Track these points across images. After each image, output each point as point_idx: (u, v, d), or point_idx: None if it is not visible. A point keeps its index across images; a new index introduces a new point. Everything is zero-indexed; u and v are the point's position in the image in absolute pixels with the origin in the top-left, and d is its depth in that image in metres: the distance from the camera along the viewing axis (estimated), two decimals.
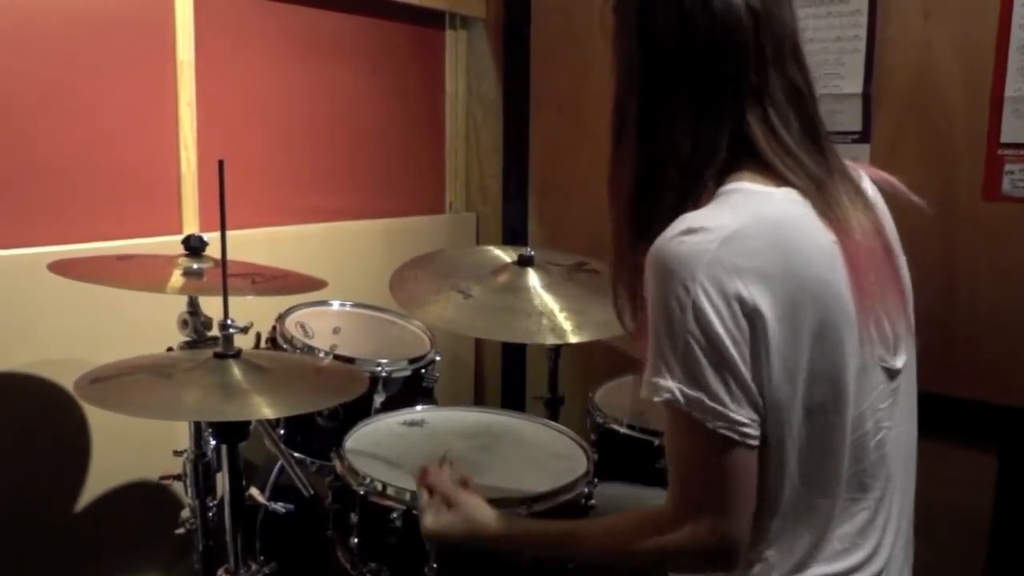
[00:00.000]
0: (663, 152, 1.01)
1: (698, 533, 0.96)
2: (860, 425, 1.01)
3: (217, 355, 1.40)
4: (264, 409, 1.32)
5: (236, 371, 1.38)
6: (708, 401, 0.92)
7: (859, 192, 1.07)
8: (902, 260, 1.09)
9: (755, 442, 0.94)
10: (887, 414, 1.04)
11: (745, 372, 0.92)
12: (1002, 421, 2.13)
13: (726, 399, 0.92)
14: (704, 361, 0.92)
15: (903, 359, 1.06)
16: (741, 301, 0.92)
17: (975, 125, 2.09)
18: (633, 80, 1.03)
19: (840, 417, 0.98)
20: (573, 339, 1.82)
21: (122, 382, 1.35)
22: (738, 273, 0.92)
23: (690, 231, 0.94)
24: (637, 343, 1.04)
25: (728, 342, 0.91)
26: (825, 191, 1.00)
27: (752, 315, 0.92)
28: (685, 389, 0.92)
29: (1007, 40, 2.03)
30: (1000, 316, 2.12)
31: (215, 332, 1.55)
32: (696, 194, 1.00)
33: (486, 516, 1.18)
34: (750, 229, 0.94)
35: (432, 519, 1.20)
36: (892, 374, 1.04)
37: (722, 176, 1.00)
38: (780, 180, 0.99)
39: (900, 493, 1.08)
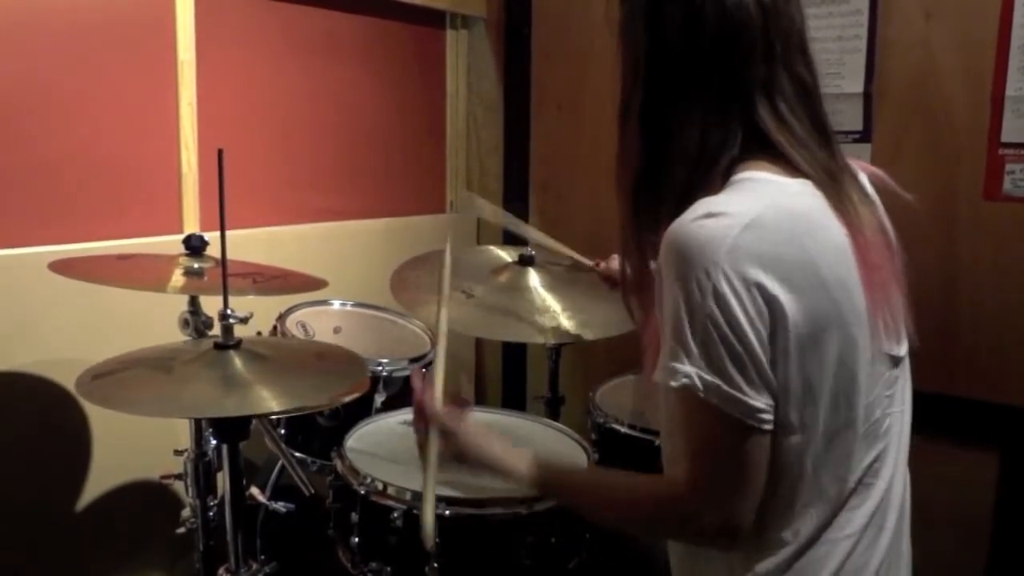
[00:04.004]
0: (668, 145, 1.01)
1: (705, 513, 0.97)
2: (871, 414, 1.02)
3: (218, 346, 1.40)
4: (267, 402, 1.31)
5: (237, 361, 1.37)
6: (725, 387, 0.92)
7: (863, 189, 1.08)
8: (899, 254, 1.10)
9: (770, 427, 0.94)
10: (891, 400, 1.05)
11: (763, 358, 0.93)
12: (1002, 421, 2.13)
13: (743, 385, 0.92)
14: (723, 346, 0.92)
15: (905, 346, 1.08)
16: (761, 288, 0.92)
17: (976, 125, 2.09)
18: (639, 73, 1.03)
19: (852, 407, 0.99)
20: (573, 338, 1.83)
21: (123, 377, 1.34)
22: (759, 260, 0.92)
23: (710, 215, 0.93)
24: (645, 333, 1.04)
25: (748, 328, 0.91)
26: (837, 185, 1.01)
27: (771, 302, 0.92)
28: (703, 374, 0.92)
29: (1008, 39, 2.03)
30: (1001, 316, 2.12)
31: (216, 332, 1.55)
32: (704, 186, 0.99)
33: (484, 448, 1.20)
34: (769, 217, 0.94)
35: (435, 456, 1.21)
36: (896, 362, 1.06)
37: (733, 166, 1.00)
38: (794, 171, 1.00)
39: (901, 476, 1.09)
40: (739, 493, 0.95)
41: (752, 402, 0.92)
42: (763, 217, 0.93)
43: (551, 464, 1.17)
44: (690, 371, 0.93)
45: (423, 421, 1.26)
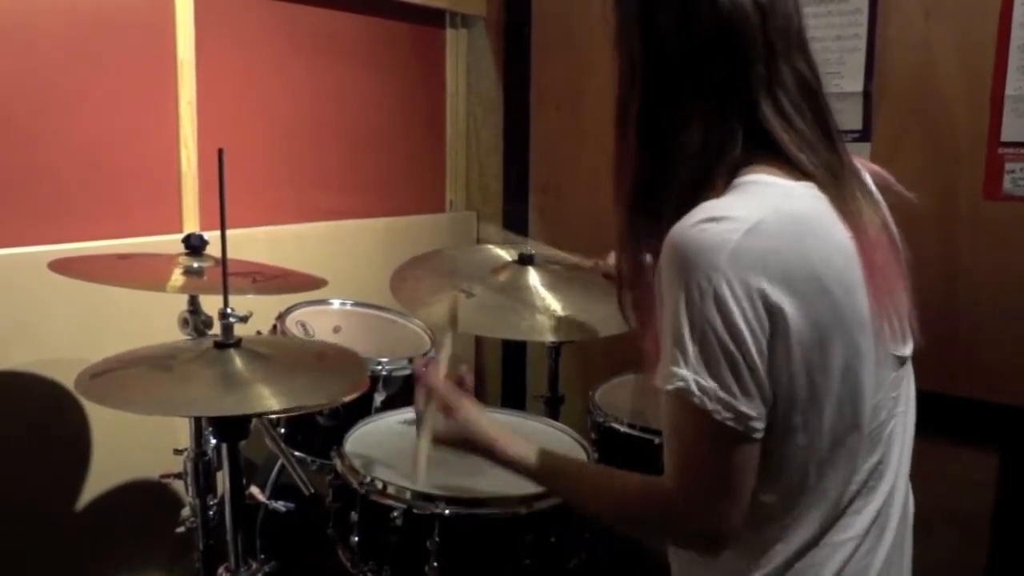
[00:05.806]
0: (669, 148, 1.00)
1: (691, 518, 0.97)
2: (875, 416, 1.01)
3: (218, 344, 1.40)
4: (266, 400, 1.31)
5: (237, 360, 1.37)
6: (720, 392, 0.92)
7: (866, 187, 1.08)
8: (902, 252, 1.10)
9: (760, 435, 0.94)
10: (895, 402, 1.05)
11: (761, 365, 0.92)
12: (1002, 421, 2.13)
13: (737, 391, 0.92)
14: (720, 352, 0.91)
15: (910, 346, 1.07)
16: (763, 294, 0.91)
17: (976, 124, 2.09)
18: (635, 76, 1.02)
19: (858, 411, 0.99)
20: (573, 337, 1.82)
21: (122, 376, 1.34)
22: (761, 266, 0.91)
23: (712, 219, 0.93)
24: (645, 339, 1.03)
25: (747, 334, 0.91)
26: (841, 185, 1.00)
27: (773, 309, 0.92)
28: (699, 379, 0.92)
29: (1007, 39, 2.03)
30: (1001, 315, 2.12)
31: (216, 331, 1.55)
32: (707, 188, 0.99)
33: (484, 430, 1.18)
34: (772, 222, 0.93)
35: (432, 431, 1.20)
36: (901, 362, 1.06)
37: (736, 168, 1.00)
38: (798, 172, 0.99)
39: (904, 479, 1.09)
40: (725, 499, 0.95)
41: (744, 409, 0.92)
42: (765, 222, 0.93)
43: (547, 451, 1.16)
44: (687, 375, 0.92)
45: (425, 394, 1.24)
